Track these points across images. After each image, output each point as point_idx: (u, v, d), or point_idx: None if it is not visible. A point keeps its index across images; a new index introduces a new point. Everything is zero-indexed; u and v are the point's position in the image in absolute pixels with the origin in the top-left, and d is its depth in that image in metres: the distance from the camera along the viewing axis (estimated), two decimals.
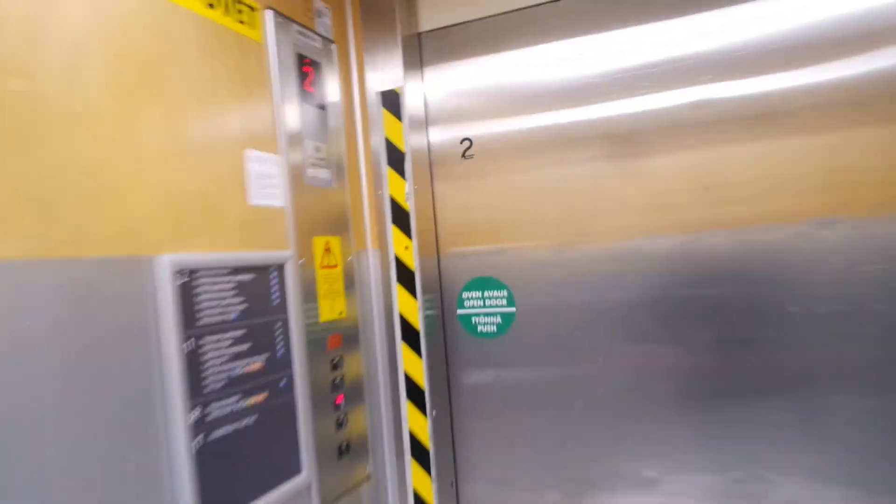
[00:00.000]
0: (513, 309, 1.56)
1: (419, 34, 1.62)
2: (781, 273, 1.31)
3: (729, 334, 1.36)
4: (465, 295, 1.61)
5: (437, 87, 1.61)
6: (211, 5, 1.13)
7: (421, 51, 1.62)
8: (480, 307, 1.60)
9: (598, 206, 1.46)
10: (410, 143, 1.54)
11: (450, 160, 1.61)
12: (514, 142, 1.54)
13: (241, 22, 1.21)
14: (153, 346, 0.96)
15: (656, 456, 1.43)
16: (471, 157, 1.59)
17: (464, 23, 1.58)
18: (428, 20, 1.62)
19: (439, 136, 1.62)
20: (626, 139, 1.42)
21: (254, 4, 1.25)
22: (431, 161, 1.63)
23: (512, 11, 1.52)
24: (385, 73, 1.56)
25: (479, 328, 1.60)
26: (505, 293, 1.57)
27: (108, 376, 0.89)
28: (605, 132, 1.44)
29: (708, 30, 1.35)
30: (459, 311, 1.62)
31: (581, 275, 1.48)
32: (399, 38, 1.54)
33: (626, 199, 1.43)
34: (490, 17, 1.54)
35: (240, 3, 1.20)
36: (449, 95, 1.60)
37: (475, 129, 1.58)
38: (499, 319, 1.58)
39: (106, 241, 0.90)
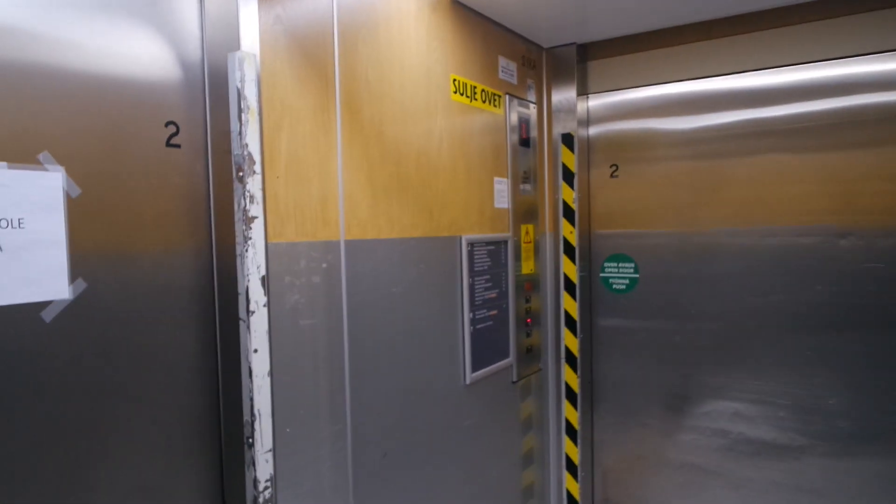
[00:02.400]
0: (637, 275, 2.47)
1: (587, 94, 2.52)
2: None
3: (786, 297, 2.19)
4: (605, 264, 2.54)
5: (596, 130, 2.52)
6: (485, 101, 2.11)
7: (588, 108, 2.52)
8: (615, 273, 2.52)
9: (696, 209, 2.31)
10: (578, 165, 2.46)
11: (602, 177, 2.51)
12: (640, 168, 2.41)
13: (495, 105, 2.18)
14: (458, 279, 1.98)
15: (723, 374, 2.30)
16: (616, 175, 2.49)
17: (617, 89, 2.46)
18: (594, 85, 2.51)
19: (597, 161, 2.52)
20: (710, 169, 2.26)
21: (500, 94, 2.21)
22: (590, 177, 2.54)
23: (654, 88, 2.38)
24: (565, 122, 2.48)
25: (614, 286, 2.52)
26: (633, 264, 2.47)
27: (445, 288, 1.92)
28: (698, 167, 2.29)
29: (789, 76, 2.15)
30: (601, 275, 2.55)
31: (683, 252, 2.35)
32: (575, 100, 2.46)
33: (716, 203, 2.28)
34: (634, 87, 2.41)
35: (495, 95, 2.18)
36: (604, 136, 2.50)
37: (620, 159, 2.47)
38: (627, 281, 2.49)
39: (446, 228, 1.92)
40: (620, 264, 2.50)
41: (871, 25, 1.98)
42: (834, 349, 2.10)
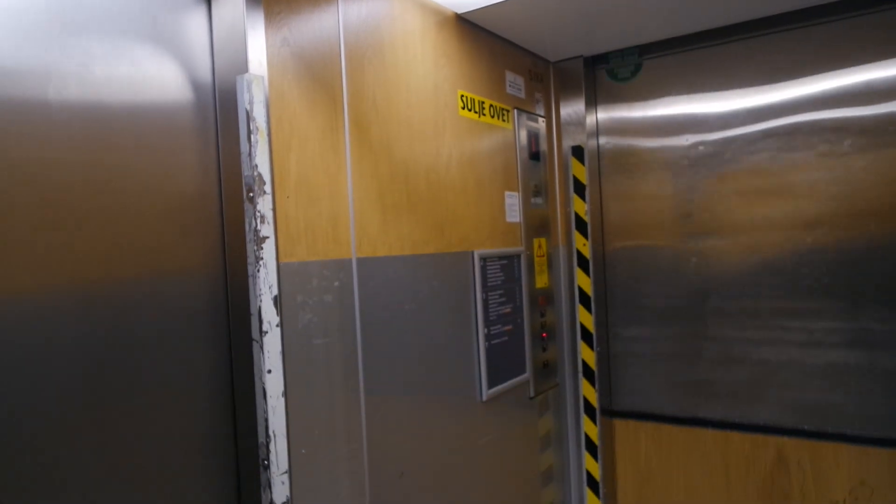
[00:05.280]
0: None
1: (596, 106, 2.52)
2: None
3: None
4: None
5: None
6: (493, 116, 2.11)
7: (597, 119, 2.52)
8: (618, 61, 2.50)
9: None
10: (589, 177, 2.45)
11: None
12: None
13: (503, 120, 2.18)
14: (472, 294, 1.97)
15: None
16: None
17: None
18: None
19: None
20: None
21: (508, 108, 2.22)
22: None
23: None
24: (574, 134, 2.48)
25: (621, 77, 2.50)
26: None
27: (458, 304, 1.91)
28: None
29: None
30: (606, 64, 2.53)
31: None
32: (583, 112, 2.45)
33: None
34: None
35: (504, 110, 2.18)
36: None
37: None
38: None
39: (457, 244, 1.91)
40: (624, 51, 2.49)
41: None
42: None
